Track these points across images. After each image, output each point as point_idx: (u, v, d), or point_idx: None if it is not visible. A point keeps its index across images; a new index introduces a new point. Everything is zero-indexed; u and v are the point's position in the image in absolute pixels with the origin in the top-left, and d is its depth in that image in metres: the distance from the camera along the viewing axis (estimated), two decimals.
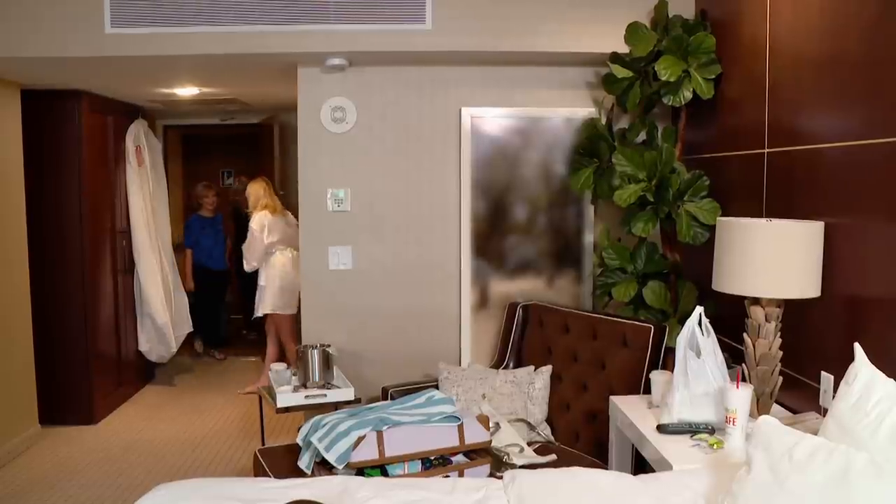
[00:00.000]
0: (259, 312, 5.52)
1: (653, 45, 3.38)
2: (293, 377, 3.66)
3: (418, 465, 2.80)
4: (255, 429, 4.61)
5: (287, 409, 3.52)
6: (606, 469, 2.72)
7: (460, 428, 2.86)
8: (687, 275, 3.53)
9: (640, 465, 2.80)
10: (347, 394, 3.54)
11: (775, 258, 2.42)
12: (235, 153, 8.21)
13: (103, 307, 5.19)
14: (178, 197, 7.31)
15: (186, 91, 4.99)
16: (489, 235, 4.02)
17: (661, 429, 2.49)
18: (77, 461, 4.35)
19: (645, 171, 3.39)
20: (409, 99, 3.91)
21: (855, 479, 1.58)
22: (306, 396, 3.52)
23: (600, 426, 3.13)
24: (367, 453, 2.71)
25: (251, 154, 7.54)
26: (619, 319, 3.42)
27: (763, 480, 1.74)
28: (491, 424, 3.13)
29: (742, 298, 2.55)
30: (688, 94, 3.35)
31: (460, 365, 3.94)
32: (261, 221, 5.42)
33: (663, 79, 3.30)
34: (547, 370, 3.51)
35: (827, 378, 2.48)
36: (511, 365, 3.75)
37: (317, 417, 2.98)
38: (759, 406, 2.54)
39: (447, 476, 2.67)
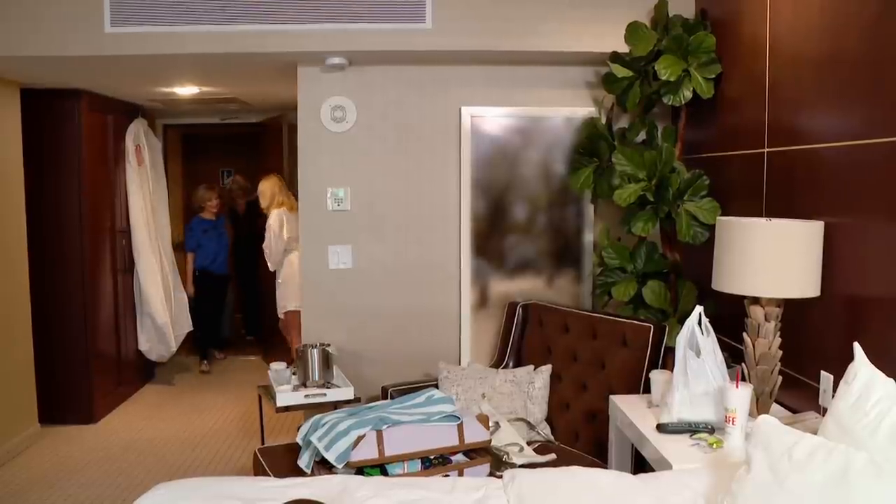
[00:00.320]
0: (282, 311, 5.49)
1: (653, 44, 3.38)
2: (293, 376, 3.67)
3: (418, 465, 2.80)
4: (255, 428, 4.61)
5: (287, 409, 3.52)
6: (606, 468, 2.73)
7: (460, 427, 2.86)
8: (687, 274, 3.53)
9: (640, 465, 2.80)
10: (347, 393, 3.54)
11: (775, 258, 2.42)
12: (235, 153, 8.21)
13: (103, 306, 5.19)
14: (177, 196, 7.28)
15: (186, 90, 4.99)
16: (489, 235, 4.02)
17: (661, 428, 2.49)
18: (77, 460, 4.35)
19: (645, 171, 3.39)
20: (410, 98, 3.91)
21: (854, 479, 1.58)
22: (306, 396, 3.52)
23: (600, 426, 3.13)
24: (367, 452, 2.71)
25: (252, 153, 7.54)
26: (618, 319, 3.42)
27: (762, 480, 1.74)
28: (490, 424, 3.13)
29: (742, 298, 2.55)
30: (688, 94, 3.35)
31: (460, 364, 3.94)
32: (279, 218, 5.34)
33: (663, 78, 3.30)
34: (546, 369, 3.51)
35: (826, 377, 2.48)
36: (511, 364, 3.75)
37: (316, 417, 2.98)
38: (759, 405, 2.54)
39: (447, 475, 2.67)
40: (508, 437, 3.20)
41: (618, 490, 2.06)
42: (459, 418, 2.88)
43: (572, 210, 4.05)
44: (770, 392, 2.55)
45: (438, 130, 3.93)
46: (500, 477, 2.25)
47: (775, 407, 2.64)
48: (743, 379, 2.42)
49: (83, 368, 4.95)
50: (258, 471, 3.08)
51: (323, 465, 2.80)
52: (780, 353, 2.55)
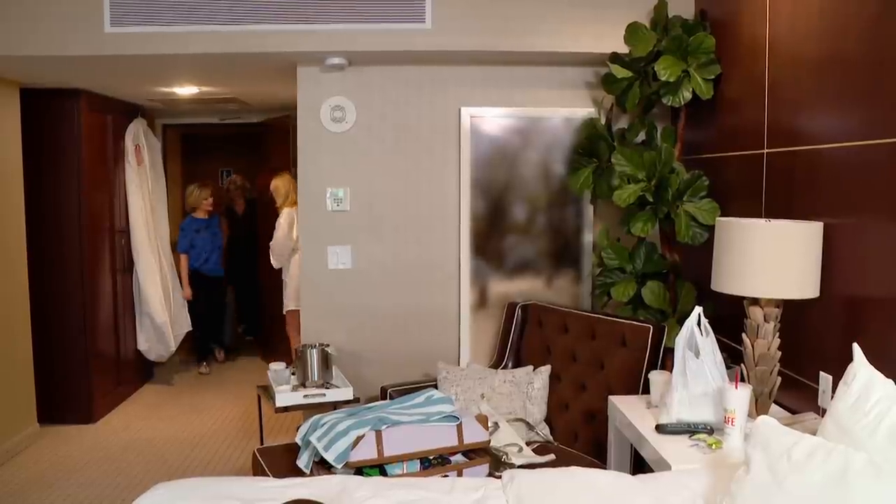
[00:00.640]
0: (285, 309, 5.49)
1: (652, 45, 3.38)
2: (292, 376, 3.66)
3: (417, 465, 2.80)
4: (254, 428, 4.61)
5: (286, 409, 3.51)
6: (605, 469, 2.72)
7: (459, 427, 2.86)
8: (686, 275, 3.53)
9: (639, 465, 2.80)
10: (346, 393, 3.54)
11: (774, 258, 2.42)
12: (235, 153, 8.21)
13: (102, 306, 5.19)
14: (177, 196, 7.25)
15: (186, 90, 4.99)
16: (488, 235, 4.02)
17: (660, 429, 2.49)
18: (76, 460, 4.35)
19: (644, 172, 3.39)
20: (409, 98, 3.91)
21: (853, 479, 1.58)
22: (305, 396, 3.51)
23: (599, 426, 3.13)
24: (366, 453, 2.71)
25: (252, 153, 7.54)
26: (617, 319, 3.42)
27: (762, 480, 1.75)
28: (490, 424, 3.13)
29: (741, 299, 2.55)
30: (687, 95, 3.35)
31: (459, 365, 3.94)
32: (290, 217, 5.28)
33: (663, 79, 3.30)
34: (546, 370, 3.51)
35: (825, 378, 2.48)
36: (510, 365, 3.75)
37: (315, 417, 2.98)
38: (758, 406, 2.54)
39: (446, 476, 2.67)
40: (507, 438, 3.20)
41: (617, 490, 2.06)
42: (458, 419, 2.88)
43: (572, 210, 4.05)
44: (769, 393, 2.56)
45: (438, 131, 3.93)
46: (499, 477, 2.25)
47: (774, 408, 2.64)
48: (742, 379, 2.42)
49: (82, 368, 4.95)
50: (257, 471, 3.08)
51: (322, 466, 2.80)
52: (780, 353, 2.55)
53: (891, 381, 1.83)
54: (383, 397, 3.51)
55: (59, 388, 4.88)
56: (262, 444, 3.84)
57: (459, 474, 2.78)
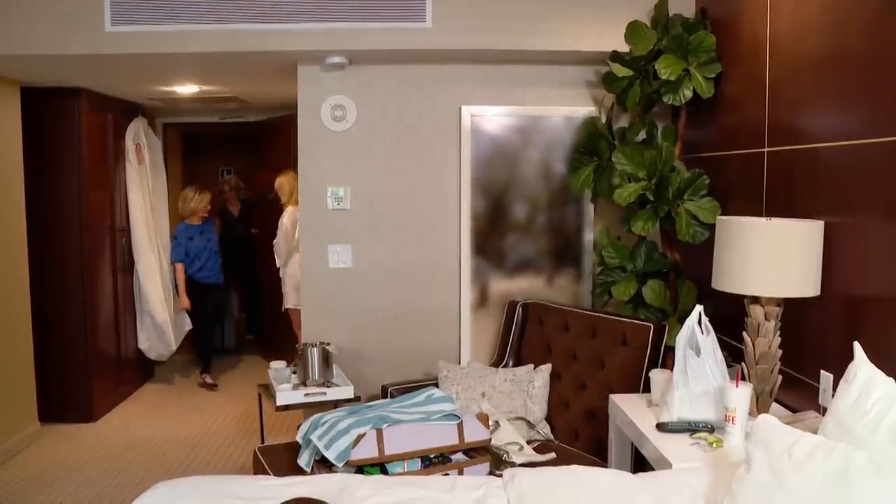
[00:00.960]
0: (283, 307, 5.50)
1: (653, 43, 3.38)
2: (293, 375, 3.67)
3: (418, 464, 2.80)
4: (255, 427, 4.61)
5: (287, 407, 3.52)
6: (606, 467, 2.73)
7: (460, 426, 2.86)
8: (686, 273, 3.53)
9: (640, 464, 2.80)
10: (347, 392, 3.54)
11: (775, 257, 2.42)
12: (236, 152, 8.20)
13: (103, 305, 5.19)
14: (177, 195, 7.25)
15: (186, 89, 4.98)
16: (489, 234, 4.02)
17: (661, 427, 2.49)
18: (76, 459, 4.35)
19: (645, 170, 3.39)
20: (409, 97, 3.91)
21: (854, 478, 1.58)
22: (306, 394, 3.52)
23: (600, 425, 3.13)
24: (367, 451, 2.71)
25: (252, 152, 7.53)
26: (618, 318, 3.42)
27: (762, 479, 1.75)
28: (490, 423, 3.13)
29: (742, 297, 2.55)
30: (688, 93, 3.35)
31: (460, 363, 3.94)
32: (293, 216, 5.27)
33: (663, 77, 3.30)
34: (546, 369, 3.51)
35: (826, 377, 2.48)
36: (511, 363, 3.75)
37: (316, 415, 2.98)
38: (759, 405, 2.54)
39: (447, 474, 2.67)
40: (508, 436, 3.20)
41: (617, 489, 2.07)
42: (459, 417, 2.88)
43: (572, 209, 4.05)
44: (770, 391, 2.56)
45: (438, 129, 3.93)
46: (500, 476, 2.25)
47: (775, 406, 2.64)
48: (743, 378, 2.42)
49: (83, 367, 4.95)
50: (258, 469, 3.08)
51: (323, 464, 2.80)
52: (780, 352, 2.55)
53: (891, 380, 1.83)
54: (384, 396, 3.51)
55: (60, 387, 4.88)
56: (262, 442, 3.85)
57: (460, 473, 2.78)
